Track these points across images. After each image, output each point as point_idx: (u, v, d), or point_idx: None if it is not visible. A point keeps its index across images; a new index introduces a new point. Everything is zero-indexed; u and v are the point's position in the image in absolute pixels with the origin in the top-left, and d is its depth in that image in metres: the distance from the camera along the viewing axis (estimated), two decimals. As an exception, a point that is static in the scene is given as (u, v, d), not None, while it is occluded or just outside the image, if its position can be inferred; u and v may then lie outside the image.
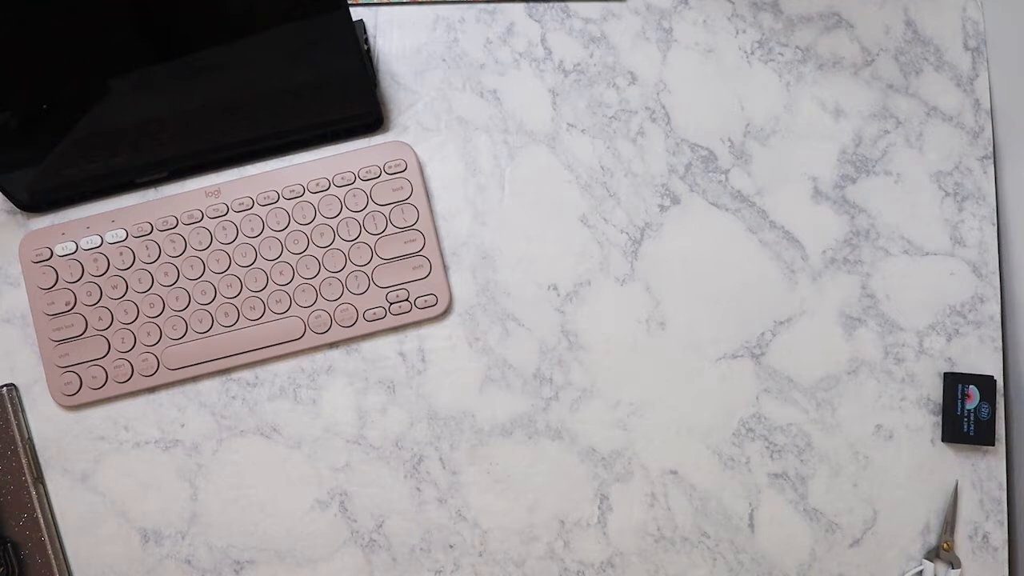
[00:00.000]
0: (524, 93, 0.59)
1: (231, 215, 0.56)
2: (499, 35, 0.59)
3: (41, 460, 0.56)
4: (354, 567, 0.56)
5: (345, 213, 0.56)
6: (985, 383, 0.56)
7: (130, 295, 0.55)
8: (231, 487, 0.56)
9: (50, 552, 0.54)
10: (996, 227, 0.58)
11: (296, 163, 0.57)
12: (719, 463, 0.57)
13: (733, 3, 0.60)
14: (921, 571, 0.56)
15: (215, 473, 0.56)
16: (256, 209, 0.56)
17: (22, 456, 0.55)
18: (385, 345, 0.57)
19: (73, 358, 0.55)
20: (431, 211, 0.57)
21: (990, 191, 0.59)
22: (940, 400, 0.57)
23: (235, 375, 0.56)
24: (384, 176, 0.56)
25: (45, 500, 0.55)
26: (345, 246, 0.56)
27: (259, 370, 0.57)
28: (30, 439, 0.56)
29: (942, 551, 0.56)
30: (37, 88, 0.50)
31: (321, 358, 0.57)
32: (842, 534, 0.57)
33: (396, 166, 0.56)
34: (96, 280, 0.55)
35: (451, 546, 0.56)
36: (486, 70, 0.59)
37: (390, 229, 0.56)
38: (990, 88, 0.59)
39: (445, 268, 0.57)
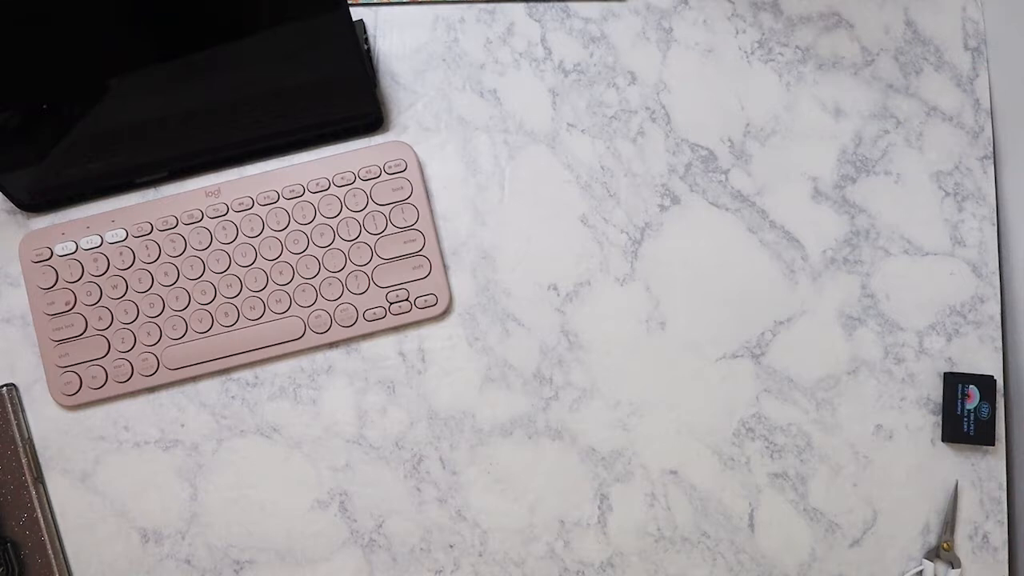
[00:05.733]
0: (524, 93, 0.59)
1: (231, 215, 0.56)
2: (499, 35, 0.59)
3: (41, 460, 0.56)
4: (354, 567, 0.56)
5: (345, 213, 0.56)
6: (985, 383, 0.56)
7: (130, 295, 0.55)
8: (231, 487, 0.56)
9: (50, 552, 0.54)
10: (996, 227, 0.58)
11: (296, 163, 0.57)
12: (719, 463, 0.57)
13: (733, 3, 0.60)
14: (921, 571, 0.56)
15: (215, 473, 0.56)
16: (256, 209, 0.56)
17: (22, 456, 0.55)
18: (385, 345, 0.57)
19: (73, 358, 0.55)
20: (431, 211, 0.57)
21: (990, 191, 0.59)
22: (940, 400, 0.57)
23: (235, 375, 0.56)
24: (384, 176, 0.56)
25: (45, 500, 0.55)
26: (345, 246, 0.56)
27: (259, 370, 0.57)
28: (30, 439, 0.56)
29: (942, 551, 0.56)
30: (37, 88, 0.50)
31: (321, 358, 0.57)
32: (842, 534, 0.57)
33: (396, 166, 0.56)
34: (96, 280, 0.55)
35: (451, 546, 0.56)
36: (486, 70, 0.59)
37: (390, 229, 0.56)
38: (990, 88, 0.59)
39: (445, 268, 0.57)
